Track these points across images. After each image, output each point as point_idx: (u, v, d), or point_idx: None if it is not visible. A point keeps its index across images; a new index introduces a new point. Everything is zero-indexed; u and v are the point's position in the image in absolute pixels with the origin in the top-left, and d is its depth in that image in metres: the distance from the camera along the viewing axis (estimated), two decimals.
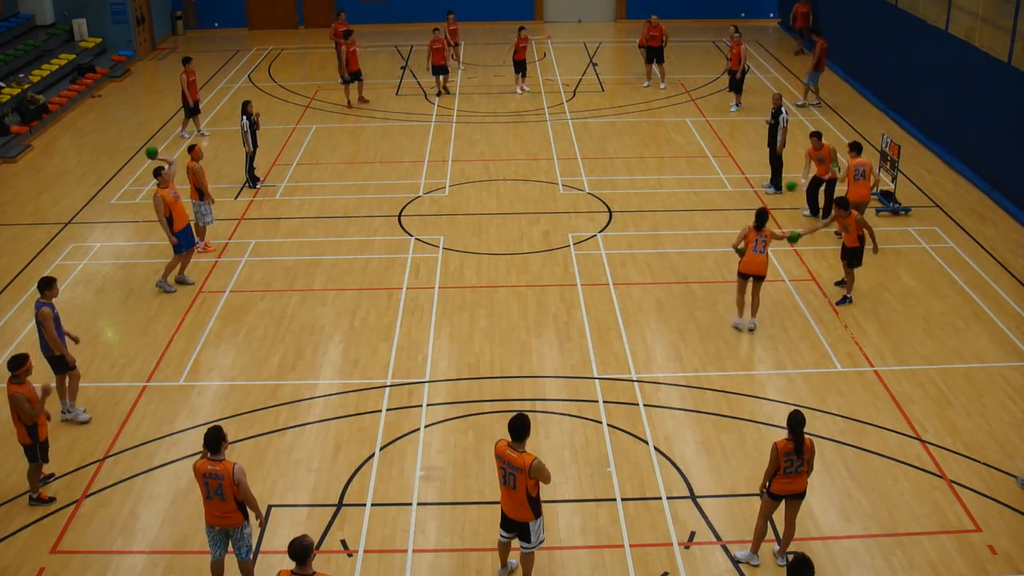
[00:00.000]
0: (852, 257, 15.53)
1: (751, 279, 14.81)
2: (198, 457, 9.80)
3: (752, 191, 20.19)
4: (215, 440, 9.57)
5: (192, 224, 17.70)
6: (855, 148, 17.62)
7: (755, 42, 32.18)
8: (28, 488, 11.61)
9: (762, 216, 14.65)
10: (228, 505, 9.56)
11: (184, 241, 16.26)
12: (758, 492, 10.58)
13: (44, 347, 12.83)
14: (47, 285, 12.96)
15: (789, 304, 15.71)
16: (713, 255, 17.40)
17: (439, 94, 27.01)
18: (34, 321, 13.06)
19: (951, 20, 22.04)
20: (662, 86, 27.23)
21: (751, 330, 14.92)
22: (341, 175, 21.46)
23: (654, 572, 10.42)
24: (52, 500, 11.61)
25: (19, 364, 11.23)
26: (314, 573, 8.46)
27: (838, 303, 15.69)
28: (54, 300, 12.96)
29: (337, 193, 20.45)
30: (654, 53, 27.07)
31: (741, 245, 14.74)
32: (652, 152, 22.56)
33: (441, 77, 26.81)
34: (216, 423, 12.70)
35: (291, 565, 8.53)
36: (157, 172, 16.18)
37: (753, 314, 15.03)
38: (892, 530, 10.97)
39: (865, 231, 15.36)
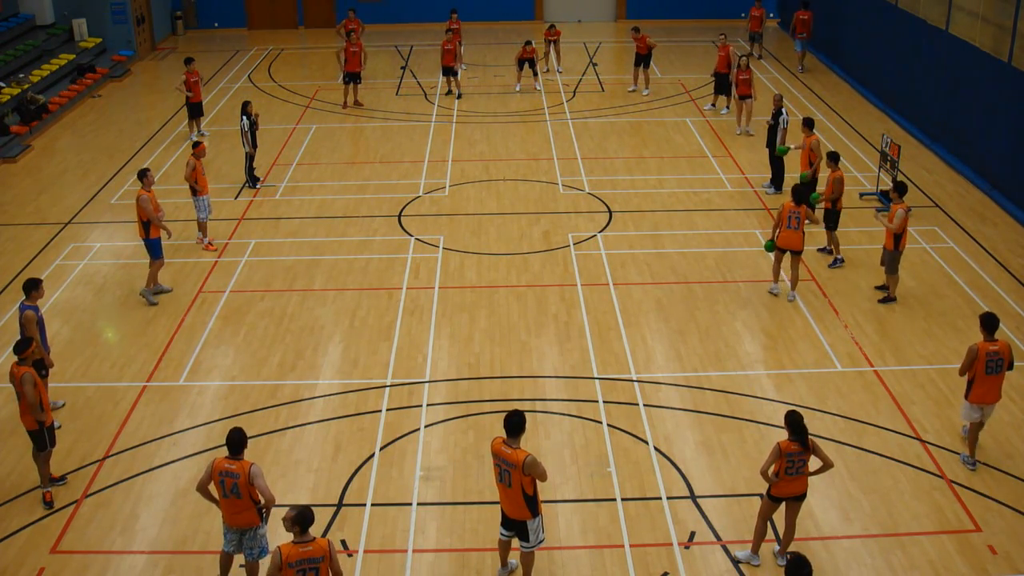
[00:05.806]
0: (829, 220, 17.04)
1: (788, 253, 15.54)
2: (206, 455, 9.79)
3: (752, 191, 20.19)
4: (239, 441, 9.58)
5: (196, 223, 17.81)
6: (807, 125, 18.43)
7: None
8: (37, 484, 11.68)
9: (798, 192, 15.35)
10: (243, 503, 9.58)
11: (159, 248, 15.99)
12: (762, 481, 10.46)
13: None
14: (33, 286, 12.79)
15: (789, 304, 15.71)
16: (713, 255, 17.40)
17: (458, 96, 26.90)
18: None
19: (951, 20, 22.04)
20: (644, 91, 26.91)
21: (790, 301, 15.65)
22: (341, 175, 21.45)
23: (654, 572, 10.42)
24: (63, 479, 11.75)
25: (25, 347, 11.40)
26: (314, 539, 8.47)
27: (830, 266, 16.90)
28: (39, 302, 12.85)
29: (337, 193, 20.45)
30: (641, 58, 26.82)
31: (779, 233, 15.41)
32: (652, 152, 22.56)
33: (452, 78, 26.79)
34: (216, 423, 12.81)
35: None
36: (142, 174, 16.00)
37: (793, 287, 15.77)
38: (892, 530, 10.98)
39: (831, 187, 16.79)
